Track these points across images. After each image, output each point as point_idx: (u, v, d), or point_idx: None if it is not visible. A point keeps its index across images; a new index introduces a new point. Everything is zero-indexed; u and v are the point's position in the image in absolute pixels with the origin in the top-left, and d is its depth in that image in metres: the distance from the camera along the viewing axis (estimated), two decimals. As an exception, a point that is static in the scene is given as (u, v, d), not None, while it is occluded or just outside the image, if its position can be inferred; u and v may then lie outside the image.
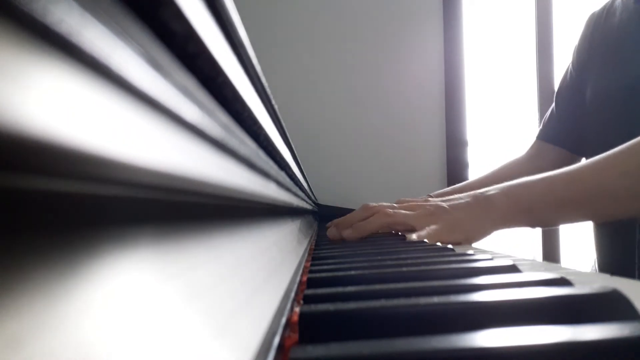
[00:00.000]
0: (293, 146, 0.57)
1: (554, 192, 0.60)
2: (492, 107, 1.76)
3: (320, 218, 1.32)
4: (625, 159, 0.57)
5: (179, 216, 0.16)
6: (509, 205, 0.61)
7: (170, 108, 0.12)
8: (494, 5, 1.79)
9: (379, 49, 1.60)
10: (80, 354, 0.08)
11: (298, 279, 0.30)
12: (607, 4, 0.89)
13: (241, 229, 0.26)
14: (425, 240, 0.57)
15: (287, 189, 0.46)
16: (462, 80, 1.61)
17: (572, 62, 0.95)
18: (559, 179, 0.61)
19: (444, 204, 0.64)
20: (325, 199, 1.44)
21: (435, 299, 0.20)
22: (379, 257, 0.40)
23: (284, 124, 0.42)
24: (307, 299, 0.24)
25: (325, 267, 0.37)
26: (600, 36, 0.87)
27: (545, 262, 0.43)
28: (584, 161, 0.66)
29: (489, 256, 0.36)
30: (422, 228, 0.60)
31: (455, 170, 1.58)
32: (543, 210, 0.61)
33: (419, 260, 0.36)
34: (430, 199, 0.78)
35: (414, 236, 0.59)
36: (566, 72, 0.97)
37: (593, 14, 0.91)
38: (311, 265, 0.38)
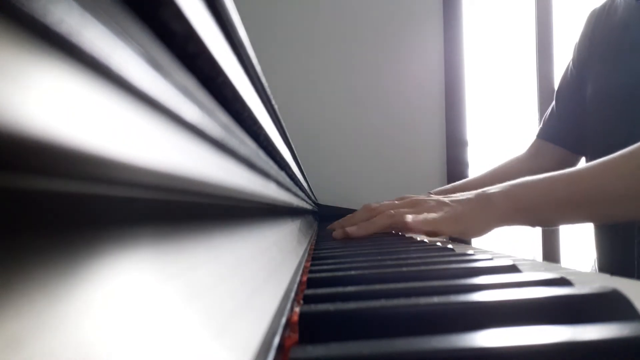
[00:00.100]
0: (293, 146, 0.57)
1: (554, 192, 0.61)
2: (492, 107, 1.76)
3: (320, 218, 1.32)
4: (625, 162, 0.58)
5: (179, 216, 0.16)
6: (509, 204, 0.62)
7: (170, 108, 0.12)
8: (494, 5, 1.79)
9: (379, 49, 1.60)
10: (80, 354, 0.08)
11: (298, 279, 0.30)
12: (607, 1, 0.89)
13: (241, 229, 0.26)
14: (419, 232, 0.57)
15: (287, 189, 0.46)
16: (462, 80, 1.61)
17: (573, 60, 0.94)
18: (560, 180, 0.61)
19: (446, 199, 0.65)
20: (325, 199, 1.44)
21: (435, 299, 0.20)
22: (379, 257, 0.40)
23: (284, 124, 0.42)
24: (307, 299, 0.24)
25: (325, 267, 0.37)
26: (601, 33, 0.86)
27: (545, 262, 0.43)
28: (584, 163, 0.67)
29: (489, 256, 0.36)
30: (419, 218, 0.61)
31: (455, 170, 1.58)
32: (543, 210, 0.62)
33: (419, 260, 0.36)
34: (431, 195, 0.79)
35: (409, 218, 0.59)
36: (566, 69, 0.97)
37: (594, 11, 0.91)
38: (311, 265, 0.38)
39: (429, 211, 0.63)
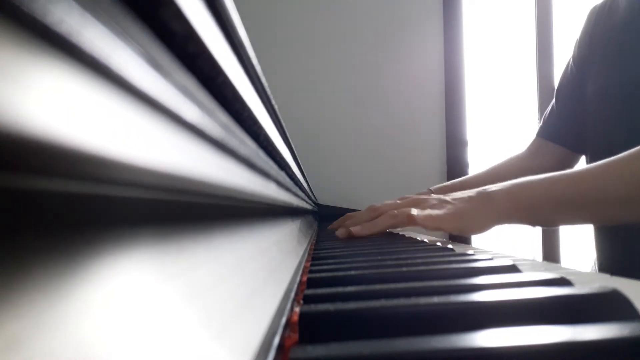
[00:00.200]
0: (293, 146, 0.57)
1: (555, 193, 0.61)
2: (492, 107, 1.76)
3: (320, 218, 1.32)
4: (627, 165, 0.58)
5: (179, 216, 0.16)
6: (510, 203, 0.62)
7: (170, 108, 0.12)
8: (494, 5, 1.79)
9: (379, 49, 1.60)
10: (80, 354, 0.08)
11: (298, 279, 0.30)
12: None
13: (241, 229, 0.26)
14: (424, 227, 0.57)
15: (287, 189, 0.46)
16: (462, 80, 1.61)
17: (573, 57, 0.94)
18: (561, 180, 0.62)
19: (447, 197, 0.65)
20: (325, 199, 1.44)
21: (435, 299, 0.20)
22: (379, 257, 0.40)
23: (284, 124, 0.42)
24: (307, 299, 0.24)
25: (325, 267, 0.37)
26: (602, 30, 0.86)
27: (545, 262, 0.43)
28: (584, 162, 0.67)
29: (489, 256, 0.36)
30: (423, 214, 0.62)
31: (455, 170, 1.58)
32: (543, 210, 0.62)
33: (419, 260, 0.36)
34: (432, 194, 0.80)
35: (414, 212, 0.60)
36: (567, 66, 0.96)
37: (595, 8, 0.91)
38: (311, 265, 0.38)
39: (431, 208, 0.64)
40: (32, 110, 0.06)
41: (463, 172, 1.59)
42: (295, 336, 0.19)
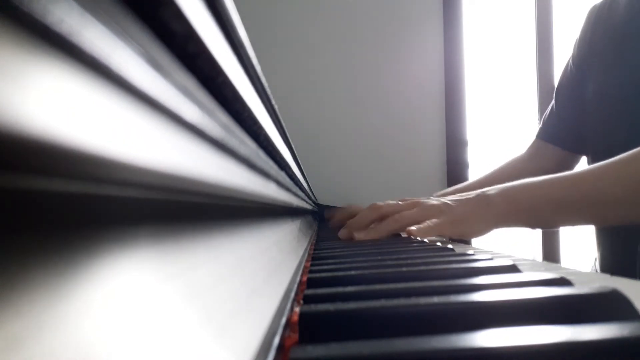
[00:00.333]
0: (293, 146, 0.57)
1: (553, 195, 0.61)
2: (492, 107, 1.76)
3: (320, 218, 1.32)
4: (625, 167, 0.58)
5: (179, 216, 0.16)
6: (508, 206, 0.63)
7: (170, 108, 0.12)
8: (494, 5, 1.79)
9: (379, 49, 1.60)
10: (80, 354, 0.08)
11: (298, 279, 0.30)
12: None
13: (241, 229, 0.26)
14: (423, 238, 0.58)
15: (287, 189, 0.46)
16: (462, 80, 1.61)
17: (573, 56, 0.94)
18: (558, 182, 0.62)
19: (448, 201, 0.66)
20: (325, 199, 1.44)
21: (435, 299, 0.20)
22: (379, 257, 0.40)
23: (284, 124, 0.42)
24: (307, 299, 0.24)
25: (325, 267, 0.37)
26: (602, 30, 0.86)
27: (545, 262, 0.43)
28: (584, 167, 0.67)
29: (489, 256, 0.36)
30: (423, 228, 0.62)
31: (455, 170, 1.58)
32: (541, 213, 0.63)
33: (419, 260, 0.36)
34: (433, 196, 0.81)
35: (413, 228, 0.61)
36: (566, 66, 0.96)
37: (594, 7, 0.90)
38: (311, 265, 0.38)
39: (431, 212, 0.65)
40: (32, 110, 0.06)
41: (463, 172, 1.59)
42: (295, 336, 0.19)
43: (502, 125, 1.77)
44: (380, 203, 0.71)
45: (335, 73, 1.60)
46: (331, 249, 0.52)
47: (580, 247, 1.49)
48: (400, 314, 0.20)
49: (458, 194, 0.69)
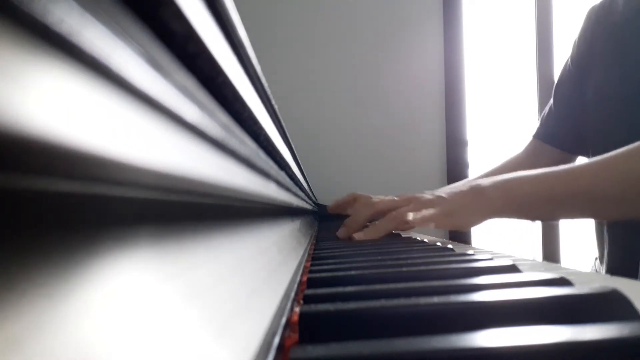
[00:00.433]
0: (293, 146, 0.57)
1: (547, 189, 0.62)
2: (492, 107, 1.76)
3: (320, 218, 1.32)
4: (620, 163, 0.58)
5: (179, 216, 0.16)
6: (502, 198, 0.64)
7: (170, 108, 0.12)
8: (494, 5, 1.79)
9: (379, 49, 1.60)
10: (80, 354, 0.08)
11: (298, 279, 0.30)
12: None
13: (241, 229, 0.26)
14: (419, 224, 0.59)
15: (287, 189, 0.46)
16: (462, 80, 1.61)
17: (571, 56, 0.94)
18: (554, 176, 0.62)
19: (442, 193, 0.66)
20: (325, 199, 1.43)
21: (435, 299, 0.20)
22: (379, 257, 0.40)
23: (284, 124, 0.42)
24: (307, 299, 0.24)
25: (325, 267, 0.37)
26: (601, 30, 0.86)
27: (545, 262, 0.43)
28: (579, 162, 0.68)
29: (489, 256, 0.36)
30: (419, 216, 0.63)
31: (455, 170, 1.58)
32: (535, 206, 0.63)
33: (419, 260, 0.36)
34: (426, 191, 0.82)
35: (410, 216, 0.61)
36: (565, 65, 0.96)
37: (594, 7, 0.90)
38: (311, 265, 0.38)
39: (426, 206, 0.65)
40: (32, 110, 0.06)
41: (463, 172, 1.59)
42: (295, 336, 0.19)
43: (502, 125, 1.77)
44: (376, 199, 0.72)
45: (335, 73, 1.60)
46: (331, 249, 0.52)
47: (580, 247, 1.49)
48: (400, 314, 0.20)
49: (452, 187, 0.70)
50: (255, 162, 0.25)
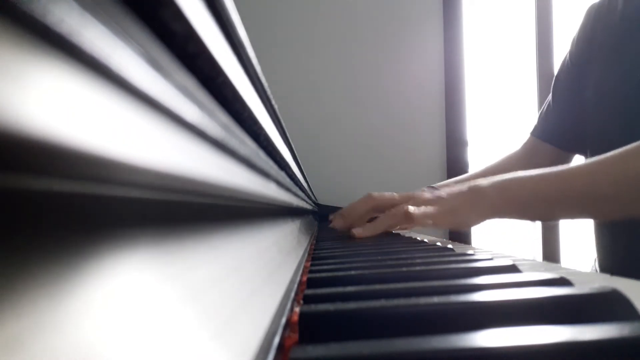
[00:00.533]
0: (293, 146, 0.57)
1: (545, 190, 0.62)
2: (492, 107, 1.76)
3: (320, 218, 1.32)
4: (616, 164, 0.58)
5: (178, 216, 0.16)
6: (500, 198, 0.64)
7: (170, 108, 0.12)
8: (494, 5, 1.79)
9: (379, 49, 1.60)
10: (80, 355, 0.08)
11: (298, 279, 0.30)
12: None
13: (241, 229, 0.26)
14: (419, 222, 0.59)
15: (287, 189, 0.46)
16: (462, 80, 1.61)
17: (570, 52, 0.93)
18: (552, 177, 0.62)
19: (442, 193, 0.67)
20: (325, 199, 1.44)
21: (435, 299, 0.20)
22: (379, 257, 0.40)
23: (284, 124, 0.42)
24: (307, 299, 0.24)
25: (325, 267, 0.37)
26: (600, 28, 0.86)
27: (545, 262, 0.43)
28: (577, 162, 0.68)
29: (489, 256, 0.36)
30: (419, 211, 0.63)
31: (455, 170, 1.58)
32: (533, 206, 0.63)
33: (419, 260, 0.36)
34: (427, 188, 0.82)
35: (410, 208, 0.61)
36: (563, 62, 0.95)
37: (593, 5, 0.90)
38: (311, 265, 0.38)
39: (425, 204, 0.66)
40: (32, 110, 0.06)
41: (463, 172, 1.59)
42: (295, 336, 0.19)
43: (502, 125, 1.77)
44: (376, 194, 0.71)
45: (335, 73, 1.60)
46: (331, 249, 0.52)
47: (580, 247, 1.49)
48: (400, 314, 0.20)
49: (450, 187, 0.70)
50: (255, 162, 0.25)
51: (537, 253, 1.64)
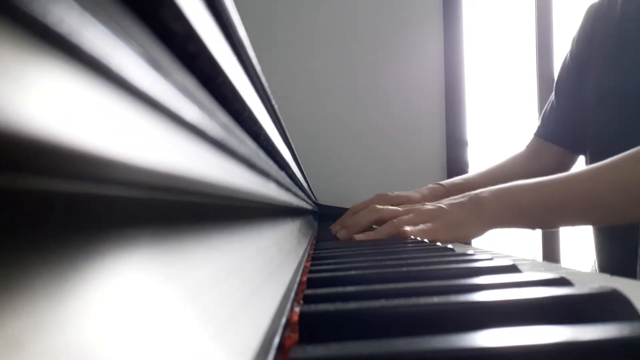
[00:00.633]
0: (293, 146, 0.57)
1: (546, 198, 0.62)
2: (492, 107, 1.76)
3: (320, 218, 1.32)
4: (613, 172, 0.58)
5: (178, 216, 0.16)
6: (501, 208, 0.64)
7: (170, 108, 0.12)
8: (494, 5, 1.79)
9: (379, 49, 1.60)
10: (80, 355, 0.08)
11: (298, 279, 0.30)
12: None
13: (241, 229, 0.26)
14: (420, 238, 0.59)
15: (287, 189, 0.46)
16: (462, 80, 1.61)
17: (571, 52, 0.93)
18: (552, 185, 0.63)
19: (442, 204, 0.66)
20: (325, 199, 1.44)
21: (435, 299, 0.20)
22: (379, 257, 0.40)
23: (284, 124, 0.42)
24: (307, 299, 0.24)
25: (325, 267, 0.37)
26: (600, 28, 0.86)
27: (545, 262, 0.43)
28: (577, 169, 0.68)
29: (489, 256, 0.36)
30: (417, 229, 0.63)
31: (455, 170, 1.58)
32: (535, 214, 0.64)
33: (419, 260, 0.36)
34: (434, 185, 0.82)
35: (407, 230, 0.61)
36: (564, 61, 0.95)
37: (593, 5, 0.90)
38: (311, 265, 0.38)
39: (426, 216, 0.66)
40: (32, 110, 0.06)
41: (463, 172, 1.59)
42: (295, 336, 0.19)
43: (502, 125, 1.77)
44: (380, 206, 0.72)
45: (335, 73, 1.60)
46: (331, 249, 0.52)
47: (580, 247, 1.49)
48: (401, 314, 0.20)
49: (452, 197, 0.70)
50: (255, 162, 0.25)
51: (537, 253, 1.64)
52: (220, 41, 0.17)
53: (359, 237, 0.66)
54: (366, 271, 0.32)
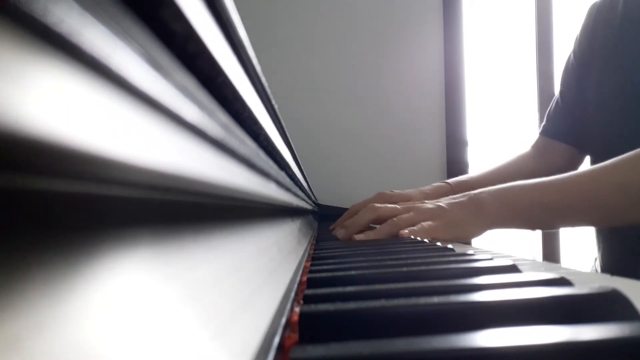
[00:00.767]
0: (293, 146, 0.57)
1: (546, 199, 0.62)
2: (492, 107, 1.76)
3: (320, 218, 1.32)
4: (621, 171, 0.58)
5: (178, 216, 0.16)
6: (501, 208, 0.64)
7: (170, 108, 0.12)
8: (494, 5, 1.79)
9: (379, 49, 1.60)
10: (80, 355, 0.08)
11: (298, 279, 0.30)
12: None
13: (241, 229, 0.26)
14: (419, 238, 0.59)
15: (287, 189, 0.46)
16: (462, 80, 1.61)
17: (574, 51, 0.93)
18: (552, 186, 0.63)
19: (442, 203, 0.67)
20: (325, 199, 1.44)
21: (435, 299, 0.20)
22: (379, 257, 0.40)
23: (284, 124, 0.42)
24: (307, 299, 0.24)
25: (325, 267, 0.37)
26: (602, 27, 0.86)
27: (545, 262, 0.43)
28: (578, 170, 0.68)
29: (489, 256, 0.36)
30: (416, 229, 0.63)
31: (455, 170, 1.58)
32: (535, 215, 0.64)
33: (419, 260, 0.36)
34: (441, 183, 0.83)
35: (406, 231, 0.61)
36: (568, 60, 0.95)
37: (595, 4, 0.90)
38: (311, 265, 0.38)
39: (426, 215, 0.66)
40: (32, 110, 0.06)
41: (463, 172, 1.59)
42: (295, 336, 0.19)
43: (502, 125, 1.77)
44: (378, 205, 0.72)
45: (335, 73, 1.60)
46: (331, 249, 0.52)
47: (580, 247, 1.49)
48: (401, 314, 0.20)
49: (451, 197, 0.70)
50: (255, 162, 0.25)
51: (537, 253, 1.64)
52: (220, 41, 0.17)
53: (358, 237, 0.66)
54: (366, 271, 0.32)
